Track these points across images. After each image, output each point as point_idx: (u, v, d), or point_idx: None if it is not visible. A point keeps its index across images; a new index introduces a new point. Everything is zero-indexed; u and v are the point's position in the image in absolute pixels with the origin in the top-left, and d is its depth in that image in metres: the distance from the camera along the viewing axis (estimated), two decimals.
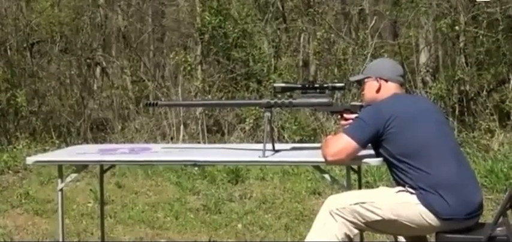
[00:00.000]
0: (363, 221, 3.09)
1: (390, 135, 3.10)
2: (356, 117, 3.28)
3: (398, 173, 3.13)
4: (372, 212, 3.07)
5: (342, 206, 3.09)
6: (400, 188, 3.10)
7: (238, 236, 5.20)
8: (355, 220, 3.08)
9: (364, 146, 3.18)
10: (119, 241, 5.14)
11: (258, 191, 6.45)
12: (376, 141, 3.16)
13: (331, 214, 3.09)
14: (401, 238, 3.32)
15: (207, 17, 9.72)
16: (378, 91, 3.28)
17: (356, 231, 3.12)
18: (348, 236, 3.09)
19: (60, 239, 3.73)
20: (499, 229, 2.98)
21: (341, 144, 3.16)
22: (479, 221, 3.16)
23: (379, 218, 3.07)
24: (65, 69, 10.74)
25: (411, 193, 3.06)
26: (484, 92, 9.02)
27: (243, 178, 6.82)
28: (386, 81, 3.28)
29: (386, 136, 3.11)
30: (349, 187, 3.39)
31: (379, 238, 4.83)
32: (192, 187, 6.62)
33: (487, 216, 4.49)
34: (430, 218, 3.02)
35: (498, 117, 8.19)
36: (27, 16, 10.77)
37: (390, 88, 3.27)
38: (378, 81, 3.29)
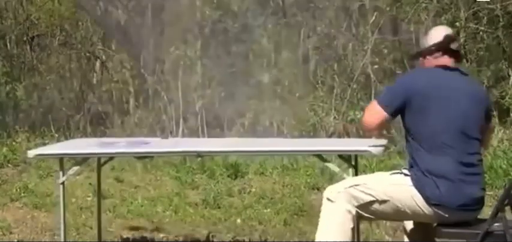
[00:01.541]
0: (357, 204, 3.10)
1: (409, 109, 3.10)
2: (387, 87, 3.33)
3: (407, 143, 3.14)
4: (365, 193, 3.10)
5: (337, 191, 3.14)
6: (395, 170, 3.16)
7: (238, 230, 5.20)
8: (350, 204, 3.10)
9: (393, 116, 3.16)
10: (118, 236, 5.14)
11: (257, 186, 6.44)
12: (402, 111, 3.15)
13: (328, 200, 3.13)
14: (408, 224, 3.32)
15: (207, 11, 9.71)
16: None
17: (354, 212, 3.12)
18: (349, 212, 3.10)
19: (62, 233, 3.73)
20: (496, 224, 2.99)
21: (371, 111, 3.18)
22: (480, 217, 3.16)
23: (372, 198, 3.09)
24: (64, 62, 10.73)
25: (405, 174, 3.08)
26: (484, 88, 9.01)
27: (243, 173, 6.81)
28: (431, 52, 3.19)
29: (408, 108, 3.10)
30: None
31: (377, 235, 4.83)
32: (191, 182, 6.61)
33: (486, 212, 4.48)
34: (420, 202, 3.03)
35: (498, 113, 8.18)
36: (26, 9, 10.76)
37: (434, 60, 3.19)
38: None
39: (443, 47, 3.17)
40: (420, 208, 3.05)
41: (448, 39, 3.17)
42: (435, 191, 3.01)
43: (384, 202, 3.09)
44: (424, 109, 3.07)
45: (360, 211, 3.14)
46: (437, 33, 3.22)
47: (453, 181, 3.02)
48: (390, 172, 3.18)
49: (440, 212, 3.04)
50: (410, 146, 3.11)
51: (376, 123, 3.16)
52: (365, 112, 3.23)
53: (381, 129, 3.29)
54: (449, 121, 3.07)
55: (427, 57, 3.20)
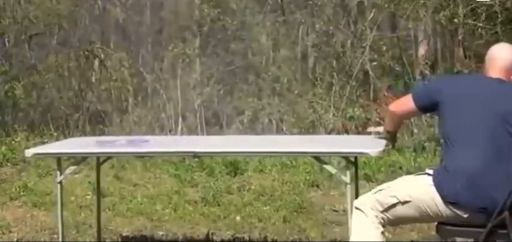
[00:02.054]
0: (381, 209, 3.11)
1: (441, 111, 3.18)
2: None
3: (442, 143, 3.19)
4: (389, 196, 3.11)
5: (365, 199, 3.17)
6: (422, 172, 3.17)
7: (237, 228, 5.20)
8: (376, 212, 3.11)
9: (421, 110, 3.35)
10: (117, 234, 5.14)
11: (256, 183, 6.45)
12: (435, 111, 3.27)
13: (356, 208, 3.16)
14: None
15: (205, 9, 9.72)
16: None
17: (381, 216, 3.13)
18: (377, 216, 3.12)
19: (59, 232, 3.73)
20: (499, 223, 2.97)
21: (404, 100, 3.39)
22: None
23: (395, 200, 3.09)
24: (63, 61, 10.71)
25: (429, 174, 3.09)
26: None
27: (242, 170, 6.82)
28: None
29: (439, 109, 3.19)
30: (350, 182, 3.42)
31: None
32: (190, 180, 6.62)
33: None
34: (439, 203, 3.02)
35: None
36: (25, 8, 10.74)
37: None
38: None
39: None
40: (439, 209, 3.03)
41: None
42: (451, 189, 2.99)
43: (405, 202, 3.08)
44: (453, 108, 3.11)
45: (386, 215, 3.13)
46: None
47: (473, 177, 2.97)
48: (416, 174, 3.21)
49: (458, 212, 3.00)
50: (442, 146, 3.18)
51: (402, 110, 3.42)
52: (399, 99, 3.45)
53: (406, 118, 3.39)
54: (476, 118, 3.06)
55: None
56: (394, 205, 3.10)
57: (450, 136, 3.09)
